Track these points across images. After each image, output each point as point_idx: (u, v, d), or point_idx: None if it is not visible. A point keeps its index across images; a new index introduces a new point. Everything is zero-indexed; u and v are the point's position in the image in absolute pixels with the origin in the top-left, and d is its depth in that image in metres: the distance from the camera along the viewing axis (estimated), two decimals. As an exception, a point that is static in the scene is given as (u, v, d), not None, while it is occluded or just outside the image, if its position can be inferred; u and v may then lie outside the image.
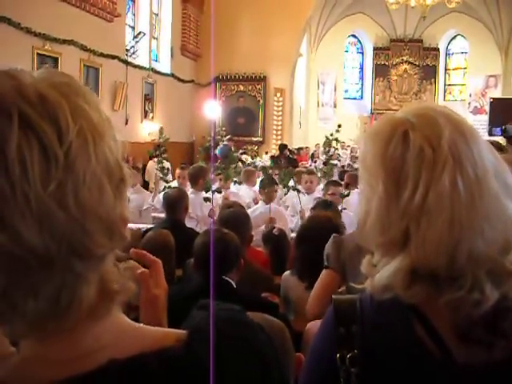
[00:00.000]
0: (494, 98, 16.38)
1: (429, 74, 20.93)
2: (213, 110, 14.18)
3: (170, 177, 6.91)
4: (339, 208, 4.56)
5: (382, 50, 21.24)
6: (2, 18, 8.07)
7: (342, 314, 0.92)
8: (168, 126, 12.40)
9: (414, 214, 0.82)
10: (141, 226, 4.72)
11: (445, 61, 21.35)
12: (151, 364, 0.61)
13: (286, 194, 6.53)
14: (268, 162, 10.81)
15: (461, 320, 0.83)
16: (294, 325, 2.38)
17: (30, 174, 0.52)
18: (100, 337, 0.62)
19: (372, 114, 20.51)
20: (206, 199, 4.76)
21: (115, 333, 0.64)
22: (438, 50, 21.02)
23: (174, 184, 6.02)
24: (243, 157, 11.81)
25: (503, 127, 10.98)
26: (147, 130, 12.66)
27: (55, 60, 9.39)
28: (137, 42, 12.30)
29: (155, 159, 6.79)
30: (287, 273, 3.06)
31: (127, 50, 12.07)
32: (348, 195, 4.95)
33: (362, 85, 21.78)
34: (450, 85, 21.42)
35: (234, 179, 7.07)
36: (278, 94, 15.43)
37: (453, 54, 21.33)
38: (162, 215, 4.83)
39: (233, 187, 6.82)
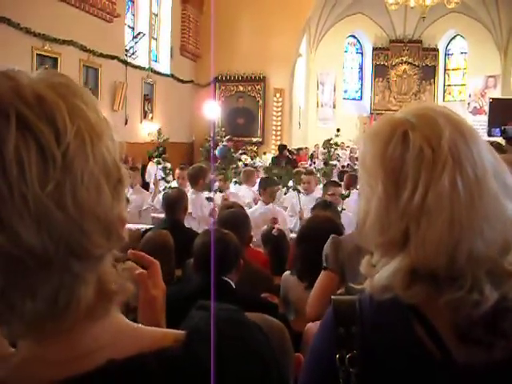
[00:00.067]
0: (493, 99, 16.37)
1: (428, 74, 20.92)
2: (212, 110, 14.20)
3: (170, 177, 6.91)
4: (339, 208, 4.56)
5: (381, 50, 21.22)
6: (2, 19, 8.05)
7: (342, 314, 0.92)
8: (167, 126, 12.42)
9: (414, 214, 0.82)
10: (140, 226, 4.72)
11: (444, 61, 21.35)
12: (150, 364, 0.60)
13: (285, 194, 6.54)
14: (268, 162, 10.82)
15: (461, 320, 0.83)
16: (294, 325, 2.38)
17: (28, 175, 0.52)
18: (98, 337, 0.62)
19: (371, 114, 20.49)
20: (209, 199, 4.76)
21: (113, 333, 0.64)
22: (437, 50, 21.00)
23: (174, 184, 6.02)
24: (243, 157, 11.82)
25: (503, 128, 10.99)
26: (147, 131, 12.65)
27: (55, 60, 9.38)
28: (136, 42, 12.29)
29: (155, 160, 6.80)
30: (287, 273, 3.06)
31: (127, 51, 12.05)
32: (348, 196, 4.95)
33: (362, 85, 21.76)
34: (449, 85, 21.41)
35: (234, 180, 7.08)
36: (278, 95, 15.42)
37: (452, 54, 21.33)
38: (162, 215, 4.83)
39: (232, 188, 6.82)
